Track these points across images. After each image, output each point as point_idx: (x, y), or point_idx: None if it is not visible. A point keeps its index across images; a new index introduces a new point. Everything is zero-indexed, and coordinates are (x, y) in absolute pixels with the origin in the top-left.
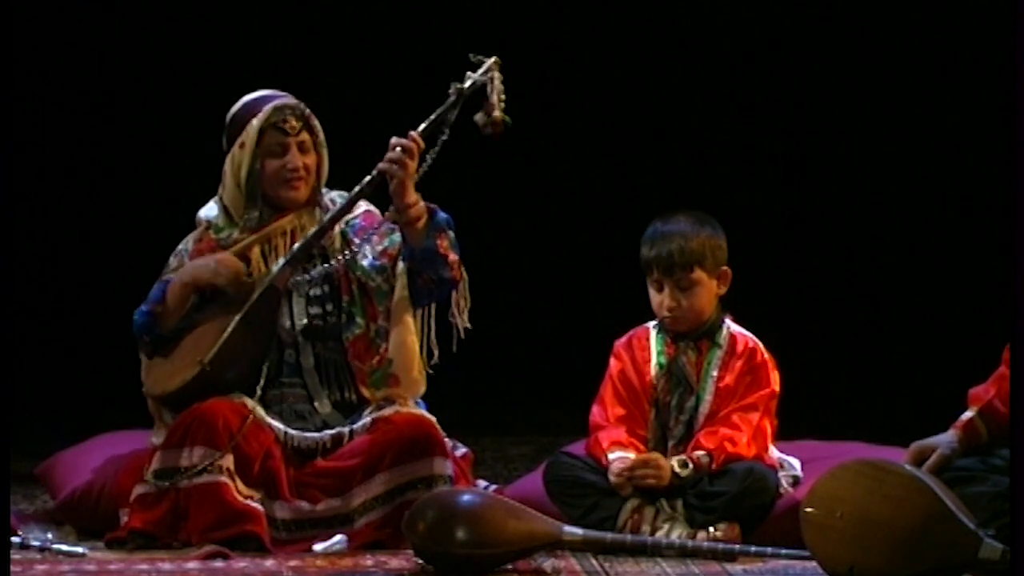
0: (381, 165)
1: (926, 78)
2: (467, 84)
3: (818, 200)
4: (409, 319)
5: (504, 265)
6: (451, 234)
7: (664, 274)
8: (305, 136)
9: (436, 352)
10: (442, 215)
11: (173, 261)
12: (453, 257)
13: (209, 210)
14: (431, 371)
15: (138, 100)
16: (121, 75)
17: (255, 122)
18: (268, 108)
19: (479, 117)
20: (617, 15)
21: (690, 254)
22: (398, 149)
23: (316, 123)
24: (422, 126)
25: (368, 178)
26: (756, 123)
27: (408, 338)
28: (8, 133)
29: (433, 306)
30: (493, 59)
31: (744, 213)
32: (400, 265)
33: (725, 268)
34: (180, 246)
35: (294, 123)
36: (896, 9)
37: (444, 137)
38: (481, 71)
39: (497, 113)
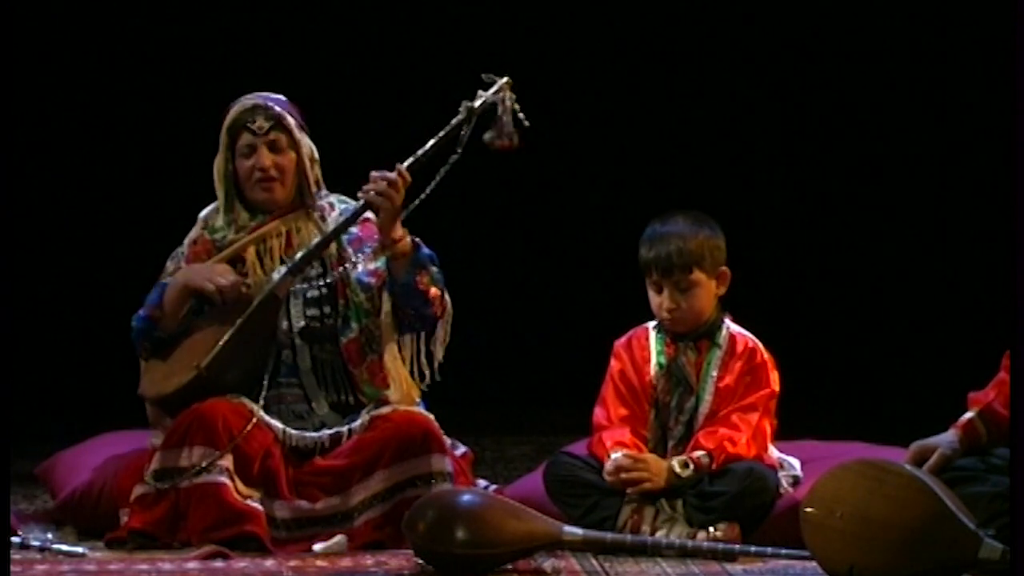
0: (361, 195)
1: (926, 78)
2: (477, 103)
3: (818, 200)
4: (393, 345)
5: (504, 265)
6: (433, 269)
7: (663, 275)
8: (277, 135)
9: (428, 374)
10: (425, 251)
11: (170, 264)
12: (434, 292)
13: (210, 210)
14: (425, 390)
15: (141, 100)
16: (123, 75)
17: (225, 123)
18: (235, 109)
19: (487, 136)
20: (616, 14)
21: (688, 255)
22: (382, 183)
23: (290, 121)
24: (430, 143)
25: (355, 206)
26: (756, 123)
27: (394, 362)
28: (8, 133)
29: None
30: (505, 79)
31: (744, 213)
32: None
33: (724, 268)
34: (177, 248)
35: (262, 123)
36: (896, 8)
37: (456, 156)
38: (493, 90)
39: (509, 133)
